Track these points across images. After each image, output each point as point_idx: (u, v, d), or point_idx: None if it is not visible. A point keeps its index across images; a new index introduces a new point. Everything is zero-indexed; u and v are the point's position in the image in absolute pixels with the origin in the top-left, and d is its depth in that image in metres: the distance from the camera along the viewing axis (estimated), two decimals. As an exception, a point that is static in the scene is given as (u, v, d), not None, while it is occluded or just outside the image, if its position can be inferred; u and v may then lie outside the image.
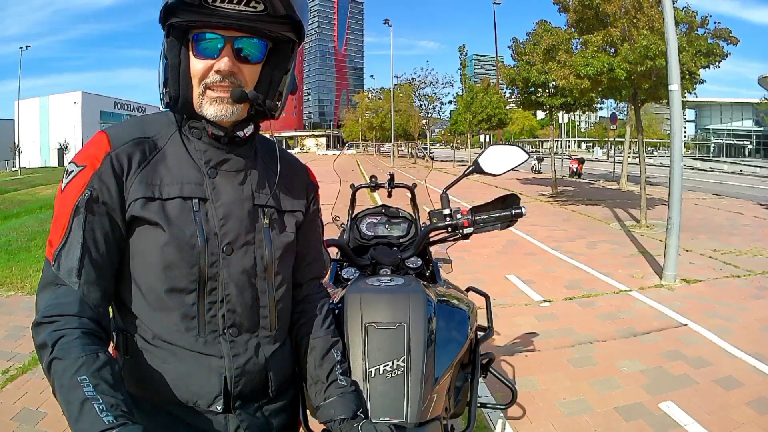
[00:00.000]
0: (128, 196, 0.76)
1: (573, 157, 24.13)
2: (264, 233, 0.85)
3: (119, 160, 0.76)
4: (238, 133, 0.83)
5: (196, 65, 0.77)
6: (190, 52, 0.77)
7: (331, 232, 1.61)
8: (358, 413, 0.85)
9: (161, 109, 0.83)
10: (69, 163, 0.77)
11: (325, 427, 0.90)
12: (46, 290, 0.72)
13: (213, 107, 0.78)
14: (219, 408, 0.82)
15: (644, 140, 8.82)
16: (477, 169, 1.38)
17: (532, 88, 12.07)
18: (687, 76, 7.47)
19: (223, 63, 0.76)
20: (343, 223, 1.69)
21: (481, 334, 1.32)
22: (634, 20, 7.19)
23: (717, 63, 7.77)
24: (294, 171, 0.95)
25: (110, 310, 0.81)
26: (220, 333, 0.82)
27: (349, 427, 0.82)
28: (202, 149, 0.82)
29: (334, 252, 1.50)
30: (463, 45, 30.60)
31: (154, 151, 0.79)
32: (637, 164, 9.09)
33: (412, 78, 35.01)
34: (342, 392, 0.87)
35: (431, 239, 1.46)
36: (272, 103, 0.83)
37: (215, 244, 0.80)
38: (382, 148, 50.48)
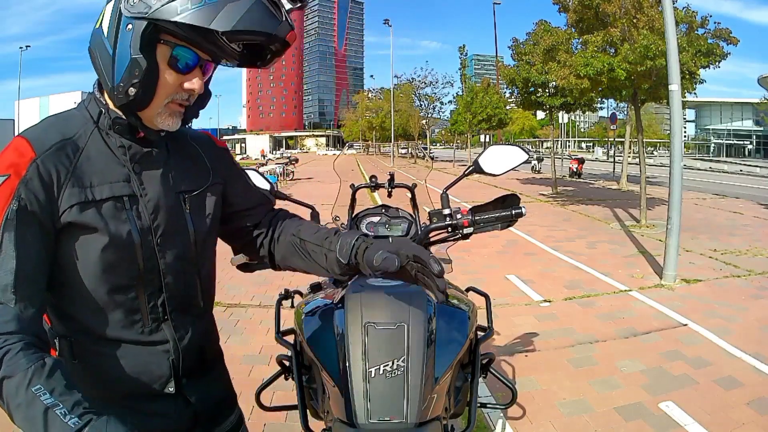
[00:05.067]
0: (62, 203, 0.74)
1: (573, 157, 24.12)
2: (187, 218, 0.88)
3: (46, 167, 0.73)
4: (161, 133, 0.84)
5: (168, 77, 0.76)
6: (158, 58, 0.75)
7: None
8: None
9: (96, 95, 0.81)
10: None
11: (324, 427, 0.89)
12: None
13: (170, 120, 0.80)
14: (171, 389, 0.87)
15: (644, 140, 8.82)
16: (477, 169, 1.37)
17: (532, 88, 12.07)
18: (687, 76, 7.46)
19: (197, 85, 0.78)
20: (343, 223, 1.69)
21: (481, 334, 1.31)
22: (634, 20, 7.19)
23: (717, 63, 7.77)
24: (201, 145, 0.97)
25: (47, 319, 0.82)
26: (162, 319, 0.85)
27: (372, 240, 0.89)
28: (126, 145, 0.81)
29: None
30: (464, 45, 30.67)
31: (77, 152, 0.77)
32: (637, 164, 9.08)
33: (412, 78, 35.05)
34: (349, 231, 0.96)
35: (431, 239, 1.45)
36: (198, 112, 0.89)
37: (150, 239, 0.82)
38: (382, 148, 50.50)
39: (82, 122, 0.81)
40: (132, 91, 0.74)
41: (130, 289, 0.81)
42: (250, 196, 1.02)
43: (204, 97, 0.86)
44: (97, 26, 0.77)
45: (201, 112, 0.89)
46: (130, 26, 0.72)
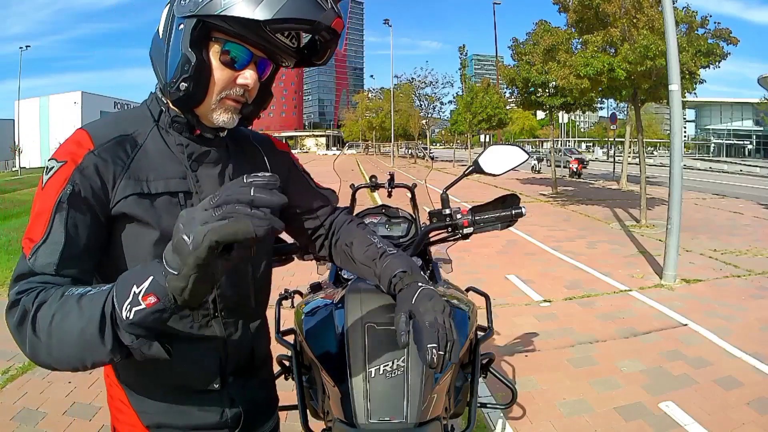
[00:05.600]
0: (116, 194, 0.75)
1: (573, 157, 24.10)
2: None
3: (103, 158, 0.75)
4: (220, 133, 0.85)
5: (221, 73, 0.77)
6: (211, 55, 0.77)
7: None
8: (413, 269, 0.89)
9: (158, 94, 0.82)
10: (49, 159, 0.75)
11: (324, 427, 0.89)
12: (19, 281, 0.69)
13: (225, 116, 0.80)
14: (217, 386, 0.87)
15: (644, 140, 8.83)
16: (477, 169, 1.37)
17: (532, 88, 12.05)
18: (687, 76, 7.47)
19: (251, 80, 0.78)
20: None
21: (481, 334, 1.31)
22: (634, 20, 7.19)
23: (717, 63, 7.78)
24: (263, 147, 0.97)
25: None
26: (213, 316, 0.86)
27: (410, 280, 0.86)
28: (184, 143, 0.83)
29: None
30: (464, 45, 30.71)
31: (135, 148, 0.79)
32: (637, 164, 9.09)
33: (412, 78, 35.09)
34: (394, 255, 0.92)
35: (431, 239, 1.45)
36: (260, 113, 0.90)
37: None
38: (382, 149, 50.53)
39: (142, 120, 0.83)
40: (183, 85, 0.75)
41: None
42: (310, 199, 1.03)
43: (265, 97, 0.86)
44: (156, 31, 0.80)
45: None
46: (181, 26, 0.74)
